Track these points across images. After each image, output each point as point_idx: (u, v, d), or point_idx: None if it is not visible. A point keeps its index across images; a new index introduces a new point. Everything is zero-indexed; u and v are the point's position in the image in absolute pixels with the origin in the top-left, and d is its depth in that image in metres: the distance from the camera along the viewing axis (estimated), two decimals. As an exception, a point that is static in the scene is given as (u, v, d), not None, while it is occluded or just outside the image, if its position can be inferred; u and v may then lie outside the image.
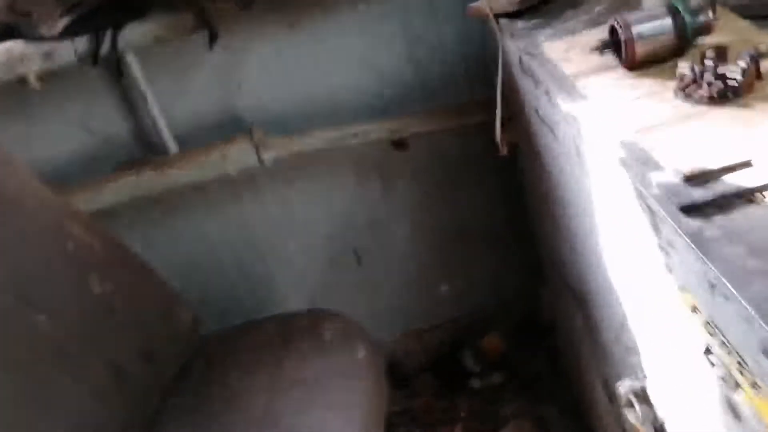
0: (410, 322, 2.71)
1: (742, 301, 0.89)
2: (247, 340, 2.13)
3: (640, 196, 1.15)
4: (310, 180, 2.41)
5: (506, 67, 1.86)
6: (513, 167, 2.24)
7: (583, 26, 1.61)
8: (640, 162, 1.16)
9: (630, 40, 1.33)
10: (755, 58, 1.22)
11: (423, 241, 2.62)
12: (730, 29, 1.40)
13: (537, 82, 1.60)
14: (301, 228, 2.50)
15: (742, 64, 1.23)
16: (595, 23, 1.60)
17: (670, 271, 1.13)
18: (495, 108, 2.00)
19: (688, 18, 1.33)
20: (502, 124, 1.84)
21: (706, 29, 1.35)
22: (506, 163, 2.31)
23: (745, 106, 1.19)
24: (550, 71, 1.50)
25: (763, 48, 1.25)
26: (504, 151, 1.82)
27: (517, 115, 1.92)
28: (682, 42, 1.35)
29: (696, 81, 1.24)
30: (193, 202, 2.31)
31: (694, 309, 1.07)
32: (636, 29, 1.33)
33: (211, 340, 2.15)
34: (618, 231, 1.39)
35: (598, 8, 1.66)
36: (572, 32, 1.60)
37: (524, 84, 1.73)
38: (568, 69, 1.45)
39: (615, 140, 1.24)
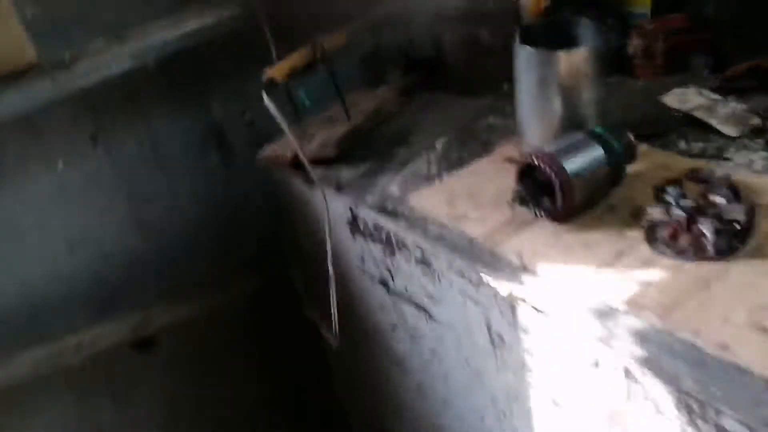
0: None
1: None
2: None
3: (708, 416, 0.75)
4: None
5: (311, 224, 1.38)
6: (300, 351, 1.75)
7: (438, 167, 1.21)
8: (690, 363, 0.77)
9: (566, 183, 0.96)
10: (735, 190, 0.93)
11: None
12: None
13: (395, 247, 1.15)
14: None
15: (723, 199, 0.93)
16: (453, 163, 1.21)
17: None
18: (284, 276, 1.53)
19: (616, 144, 1.01)
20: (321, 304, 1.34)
21: (633, 156, 1.04)
22: (291, 347, 1.82)
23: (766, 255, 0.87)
24: (440, 234, 1.06)
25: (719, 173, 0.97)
26: (336, 342, 1.31)
27: (328, 284, 1.42)
28: (616, 175, 1.02)
29: (680, 229, 0.91)
30: None
31: None
32: (569, 167, 0.96)
33: None
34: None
35: (440, 142, 1.29)
36: (431, 177, 1.19)
37: (359, 249, 1.27)
38: (471, 229, 1.02)
39: (617, 330, 0.83)
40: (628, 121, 1.22)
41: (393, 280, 1.22)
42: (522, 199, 1.00)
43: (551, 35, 1.13)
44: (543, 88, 1.07)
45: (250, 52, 1.59)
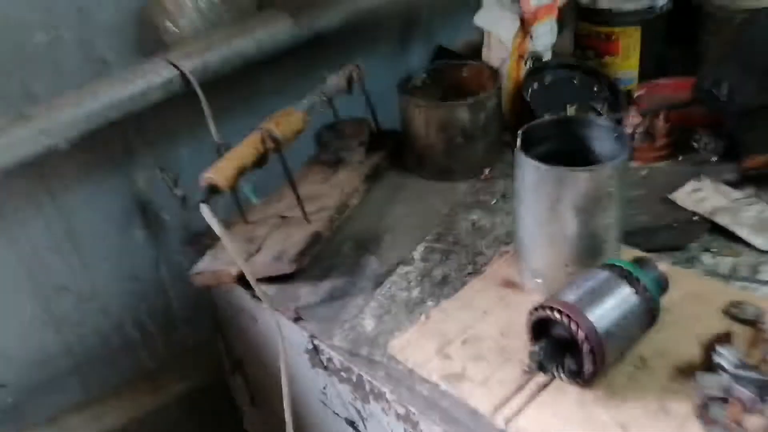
0: None
1: None
2: None
3: None
4: None
5: (259, 345, 1.15)
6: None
7: (420, 290, 0.99)
8: None
9: (597, 345, 0.76)
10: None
11: None
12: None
13: (369, 395, 0.93)
14: None
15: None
16: (437, 284, 1.00)
17: None
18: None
19: (647, 281, 0.82)
20: None
21: (664, 291, 0.85)
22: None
23: None
24: (431, 398, 0.84)
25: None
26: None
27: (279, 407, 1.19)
28: (649, 320, 0.83)
29: (745, 410, 0.72)
30: None
31: None
32: (598, 321, 0.76)
33: None
34: None
35: (418, 251, 1.07)
36: (412, 306, 0.97)
37: (321, 380, 1.04)
38: (473, 396, 0.81)
39: None
40: (638, 227, 1.04)
41: (364, 424, 1.00)
42: (540, 362, 0.79)
43: (557, 135, 0.93)
44: (555, 210, 0.86)
45: (181, 117, 1.36)
